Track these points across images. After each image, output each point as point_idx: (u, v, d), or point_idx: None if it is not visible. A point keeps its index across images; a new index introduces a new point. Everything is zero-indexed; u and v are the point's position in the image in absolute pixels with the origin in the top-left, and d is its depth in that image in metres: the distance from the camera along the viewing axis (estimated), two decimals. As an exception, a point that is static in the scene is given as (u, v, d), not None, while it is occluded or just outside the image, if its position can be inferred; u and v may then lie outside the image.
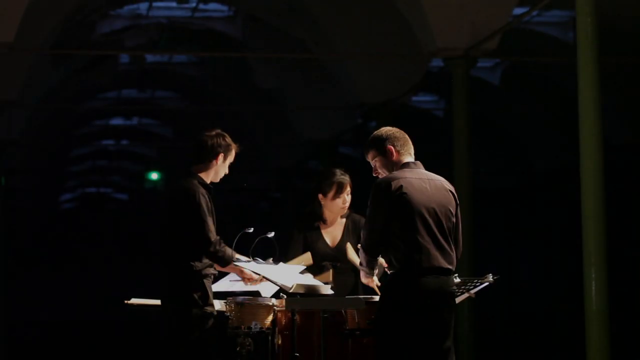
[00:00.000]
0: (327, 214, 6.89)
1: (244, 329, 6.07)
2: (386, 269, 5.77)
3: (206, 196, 6.23)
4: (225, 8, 19.04)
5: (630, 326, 17.01)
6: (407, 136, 5.88)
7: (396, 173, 5.73)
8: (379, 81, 16.39)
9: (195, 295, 6.12)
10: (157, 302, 6.37)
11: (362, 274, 6.00)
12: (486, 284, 6.03)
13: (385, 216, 5.62)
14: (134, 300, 6.54)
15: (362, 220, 6.11)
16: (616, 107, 17.53)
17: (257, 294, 6.37)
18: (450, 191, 5.79)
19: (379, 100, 16.46)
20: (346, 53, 16.48)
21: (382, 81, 16.35)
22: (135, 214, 32.68)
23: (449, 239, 5.69)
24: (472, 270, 11.38)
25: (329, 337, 6.07)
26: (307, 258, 6.66)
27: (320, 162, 20.99)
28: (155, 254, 6.46)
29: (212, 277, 6.29)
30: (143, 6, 18.81)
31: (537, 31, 18.00)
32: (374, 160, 5.88)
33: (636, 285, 18.14)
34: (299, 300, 6.13)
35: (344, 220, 6.94)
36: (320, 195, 6.86)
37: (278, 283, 6.19)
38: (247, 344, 6.05)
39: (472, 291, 6.07)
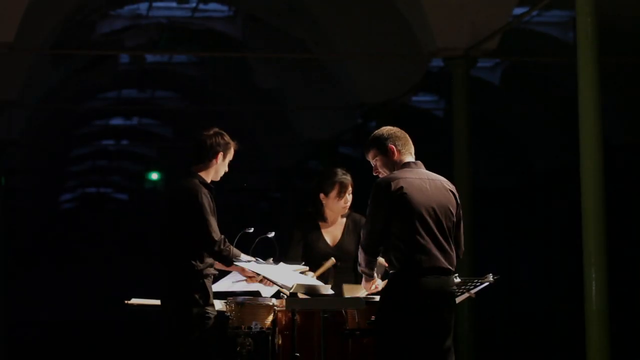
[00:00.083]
0: (328, 213, 6.89)
1: (244, 329, 6.07)
2: (387, 269, 5.77)
3: (208, 196, 6.24)
4: (225, 8, 19.04)
5: (630, 326, 17.01)
6: (407, 136, 5.88)
7: (396, 173, 5.73)
8: (379, 81, 16.39)
9: (196, 295, 6.12)
10: (157, 302, 6.37)
11: (363, 280, 6.00)
12: (486, 284, 6.02)
13: (385, 216, 5.62)
14: (134, 300, 6.54)
15: (363, 219, 6.11)
16: (616, 107, 17.53)
17: (257, 294, 6.37)
18: (451, 191, 5.78)
19: (379, 100, 16.46)
20: (346, 53, 16.48)
21: (382, 81, 16.35)
22: (135, 214, 32.69)
23: (449, 239, 5.68)
24: (472, 270, 11.38)
25: (329, 337, 6.07)
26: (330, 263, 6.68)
27: (320, 162, 21.00)
28: (155, 254, 6.46)
29: (213, 277, 6.29)
30: (143, 6, 18.81)
31: (537, 31, 18.00)
32: (374, 160, 5.88)
33: (636, 285, 18.14)
34: (299, 300, 6.14)
35: (344, 219, 6.94)
36: (321, 195, 6.85)
37: (278, 283, 6.19)
38: (248, 344, 6.05)
39: (472, 291, 6.06)
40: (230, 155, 6.43)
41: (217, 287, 6.39)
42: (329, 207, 6.87)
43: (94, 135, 28.78)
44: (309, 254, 6.80)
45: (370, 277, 5.93)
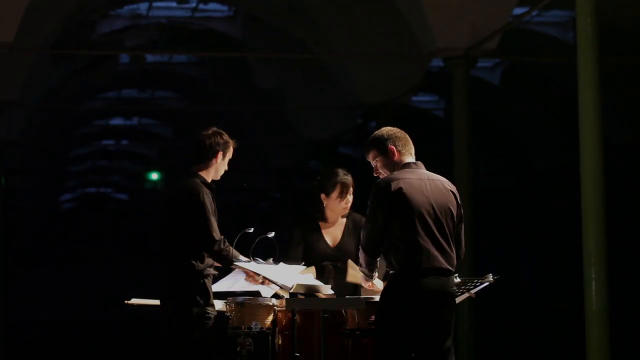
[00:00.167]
0: (329, 213, 6.88)
1: (244, 329, 6.07)
2: (387, 269, 5.77)
3: (210, 195, 6.25)
4: (225, 8, 19.04)
5: (630, 326, 17.01)
6: (408, 136, 5.88)
7: (397, 173, 5.73)
8: (379, 81, 16.39)
9: (196, 295, 6.12)
10: (157, 302, 6.37)
11: (362, 279, 6.00)
12: (486, 284, 6.02)
13: (385, 217, 5.62)
14: (134, 301, 6.54)
15: (363, 220, 6.11)
16: (616, 107, 17.53)
17: (257, 294, 6.37)
18: (452, 191, 5.78)
19: (379, 100, 16.46)
20: (346, 53, 16.48)
21: (382, 81, 16.35)
22: (135, 214, 32.68)
23: (449, 239, 5.68)
24: (472, 270, 11.37)
25: (329, 337, 6.07)
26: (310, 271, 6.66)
27: (320, 162, 21.00)
28: (155, 254, 6.46)
29: (212, 277, 6.29)
30: (143, 6, 18.81)
31: (537, 31, 18.00)
32: (374, 161, 5.88)
33: (636, 285, 18.15)
34: (299, 300, 6.14)
35: (344, 220, 6.93)
36: (322, 195, 6.85)
37: (278, 283, 6.19)
38: (248, 344, 6.05)
39: (472, 291, 6.06)
40: (229, 154, 6.44)
41: (217, 287, 6.39)
42: (329, 208, 6.86)
43: (94, 135, 28.78)
44: (309, 254, 6.80)
45: (370, 278, 5.94)
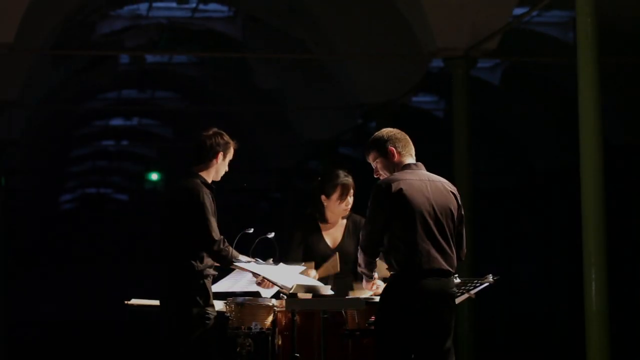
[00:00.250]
0: (329, 215, 6.88)
1: (244, 329, 6.07)
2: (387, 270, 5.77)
3: (210, 196, 6.26)
4: (225, 8, 19.03)
5: (630, 326, 17.01)
6: (408, 137, 5.88)
7: (397, 174, 5.72)
8: (379, 81, 16.39)
9: (196, 296, 6.12)
10: (157, 302, 6.37)
11: (363, 281, 6.00)
12: (486, 284, 6.02)
13: (385, 217, 5.62)
14: (134, 301, 6.54)
15: (363, 221, 6.11)
16: (616, 107, 17.53)
17: (257, 294, 6.37)
18: (452, 192, 5.78)
19: (379, 101, 16.45)
20: (346, 53, 16.48)
21: (382, 81, 16.35)
22: (135, 215, 32.67)
23: (450, 240, 5.68)
24: (472, 270, 11.37)
25: (329, 338, 6.07)
26: (334, 263, 6.65)
27: (321, 163, 20.99)
28: (155, 254, 6.46)
29: (212, 277, 6.29)
30: (143, 6, 18.80)
31: (537, 31, 17.99)
32: (375, 162, 5.87)
33: (636, 285, 18.14)
34: (299, 300, 6.13)
35: (344, 221, 6.93)
36: (323, 197, 6.84)
37: (278, 283, 6.19)
38: (247, 344, 6.06)
39: (472, 292, 6.06)
40: (230, 155, 6.44)
41: (217, 287, 6.39)
42: (330, 209, 6.86)
43: (94, 136, 28.78)
44: (309, 255, 6.79)
45: (370, 278, 5.93)
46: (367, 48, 16.03)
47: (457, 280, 5.81)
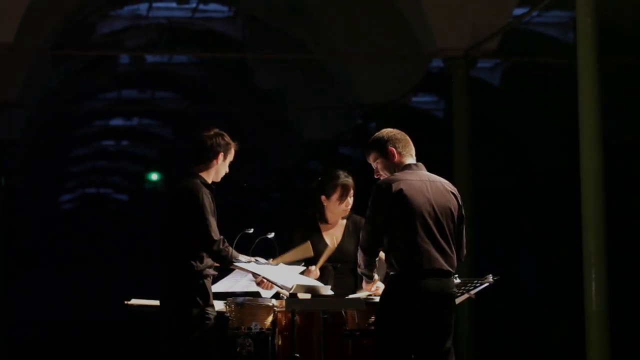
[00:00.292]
0: (329, 215, 6.88)
1: (244, 329, 6.07)
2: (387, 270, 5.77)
3: (209, 196, 6.25)
4: (225, 9, 19.04)
5: (630, 326, 17.01)
6: (408, 137, 5.88)
7: (397, 175, 5.73)
8: (379, 81, 16.39)
9: (196, 296, 6.13)
10: (157, 302, 6.37)
11: (363, 282, 6.00)
12: (486, 284, 6.02)
13: (386, 218, 5.62)
14: (134, 301, 6.54)
15: (363, 221, 6.11)
16: (616, 107, 17.53)
17: (257, 294, 6.37)
18: (452, 193, 5.78)
19: (379, 101, 16.45)
20: (346, 53, 16.47)
21: (382, 81, 16.35)
22: (135, 215, 32.68)
23: (450, 240, 5.68)
24: (472, 270, 11.37)
25: (329, 338, 6.07)
26: (306, 248, 6.60)
27: (321, 163, 20.99)
28: (155, 254, 6.46)
29: (212, 277, 6.29)
30: (143, 7, 18.81)
31: (537, 31, 17.99)
32: (375, 162, 5.88)
33: (636, 285, 18.14)
34: (299, 300, 6.13)
35: (344, 221, 6.92)
36: (323, 197, 6.84)
37: (278, 284, 6.19)
38: (247, 344, 6.06)
39: (472, 292, 6.06)
40: (230, 156, 6.44)
41: (217, 287, 6.39)
42: (330, 210, 6.85)
43: (94, 136, 28.79)
44: (309, 255, 6.79)
45: (370, 279, 5.93)
46: (367, 48, 16.03)
47: (457, 281, 5.81)
